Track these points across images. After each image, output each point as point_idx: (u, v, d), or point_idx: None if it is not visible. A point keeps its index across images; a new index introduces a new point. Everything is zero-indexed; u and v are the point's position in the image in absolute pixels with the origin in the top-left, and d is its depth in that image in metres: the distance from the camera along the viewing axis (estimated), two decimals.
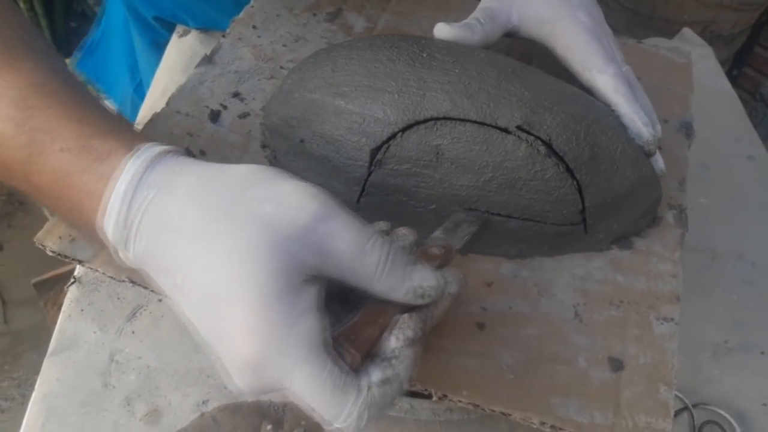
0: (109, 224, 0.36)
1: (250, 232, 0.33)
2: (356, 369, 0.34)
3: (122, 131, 0.38)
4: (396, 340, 0.35)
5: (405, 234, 0.40)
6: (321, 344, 0.33)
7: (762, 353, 0.62)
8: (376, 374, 0.34)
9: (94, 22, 1.22)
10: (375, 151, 0.48)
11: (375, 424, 0.53)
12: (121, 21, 0.99)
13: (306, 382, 0.32)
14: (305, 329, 0.33)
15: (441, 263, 0.40)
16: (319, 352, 0.32)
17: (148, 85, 0.88)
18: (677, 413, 0.57)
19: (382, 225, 0.40)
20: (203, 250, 0.34)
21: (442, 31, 0.54)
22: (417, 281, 0.36)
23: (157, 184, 0.36)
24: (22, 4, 2.03)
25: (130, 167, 0.36)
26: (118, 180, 0.36)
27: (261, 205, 0.34)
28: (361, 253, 0.35)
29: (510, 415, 0.41)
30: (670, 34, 0.99)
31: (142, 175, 0.36)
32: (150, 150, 0.37)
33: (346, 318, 0.36)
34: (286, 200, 0.35)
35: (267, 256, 0.33)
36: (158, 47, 0.90)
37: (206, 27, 0.87)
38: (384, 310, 0.36)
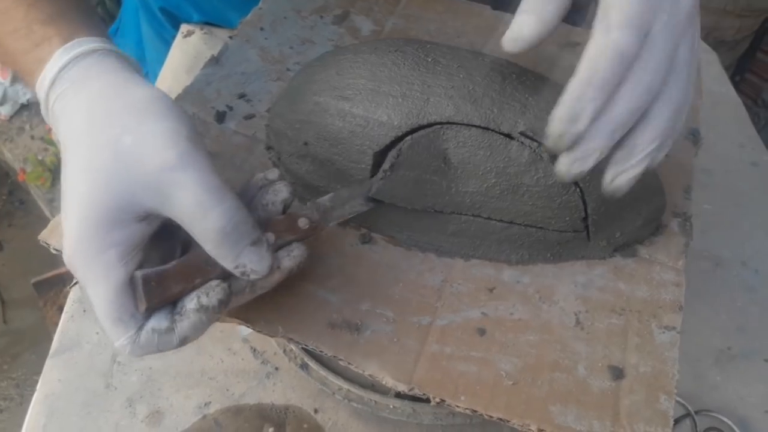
0: (40, 92, 0.41)
1: (101, 157, 0.36)
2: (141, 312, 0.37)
3: (65, 21, 0.42)
4: (190, 301, 0.38)
5: (277, 190, 0.42)
6: (116, 278, 0.36)
7: (765, 360, 0.62)
8: (154, 321, 0.37)
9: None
10: (378, 155, 0.48)
11: (377, 426, 0.53)
12: (133, 11, 0.99)
13: (95, 302, 0.37)
14: (107, 261, 0.36)
15: (300, 237, 0.42)
16: (112, 285, 0.36)
17: (155, 78, 0.88)
18: (680, 420, 0.57)
19: (270, 174, 0.42)
20: (71, 155, 0.38)
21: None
22: (245, 261, 0.37)
23: (72, 79, 0.40)
24: None
25: (57, 58, 0.40)
26: (45, 67, 0.40)
27: (122, 136, 0.36)
28: (202, 214, 0.36)
29: (508, 421, 0.41)
30: None
31: (63, 69, 0.40)
32: (81, 46, 0.40)
33: (172, 257, 0.39)
34: (146, 140, 0.36)
35: (101, 186, 0.36)
36: (164, 42, 0.91)
37: (211, 21, 0.87)
38: (204, 270, 0.38)
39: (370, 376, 0.43)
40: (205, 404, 0.55)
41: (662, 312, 0.47)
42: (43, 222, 0.49)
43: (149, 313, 0.38)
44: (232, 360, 0.57)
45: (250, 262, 0.38)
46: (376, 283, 0.47)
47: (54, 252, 0.47)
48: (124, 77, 0.40)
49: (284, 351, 0.55)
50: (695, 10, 0.39)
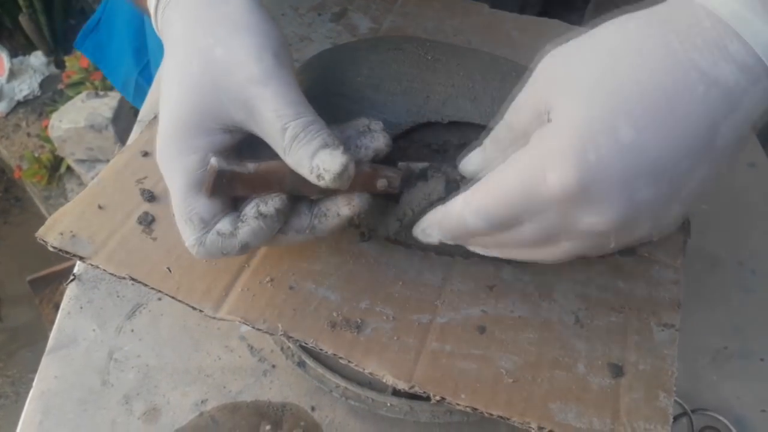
0: (150, 12, 0.44)
1: (193, 66, 0.39)
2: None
3: None
4: (250, 208, 0.40)
5: (375, 137, 0.42)
6: (193, 181, 0.39)
7: (761, 360, 0.62)
8: (220, 224, 0.40)
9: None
10: None
11: (374, 424, 0.53)
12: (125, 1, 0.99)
13: (173, 201, 0.40)
14: (188, 163, 0.39)
15: (371, 190, 0.42)
16: (188, 187, 0.39)
17: (157, 67, 0.87)
18: (676, 418, 0.57)
19: (373, 124, 0.43)
20: (168, 62, 0.41)
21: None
22: (318, 162, 0.38)
23: None
24: (21, 1, 2.03)
25: None
26: None
27: (214, 47, 0.39)
28: (281, 124, 0.38)
29: (508, 419, 0.41)
30: None
31: None
32: None
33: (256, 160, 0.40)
34: (236, 52, 0.38)
35: (191, 93, 0.38)
36: None
37: None
38: (278, 181, 0.40)
39: (370, 374, 0.43)
40: (202, 401, 0.54)
41: (661, 310, 0.47)
42: (39, 219, 0.48)
43: (213, 208, 0.40)
44: (229, 357, 0.57)
45: (323, 162, 0.38)
46: (375, 281, 0.47)
47: (51, 249, 0.47)
48: None
49: (281, 349, 0.55)
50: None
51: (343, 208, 0.41)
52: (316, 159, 0.38)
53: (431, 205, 0.43)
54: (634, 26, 0.34)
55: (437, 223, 0.41)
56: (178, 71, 0.39)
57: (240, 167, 0.39)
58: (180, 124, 0.39)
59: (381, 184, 0.42)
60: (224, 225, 0.40)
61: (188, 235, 0.40)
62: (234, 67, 0.38)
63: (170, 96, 0.39)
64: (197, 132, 0.39)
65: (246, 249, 0.40)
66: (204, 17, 0.40)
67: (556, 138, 0.33)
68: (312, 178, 0.38)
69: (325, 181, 0.38)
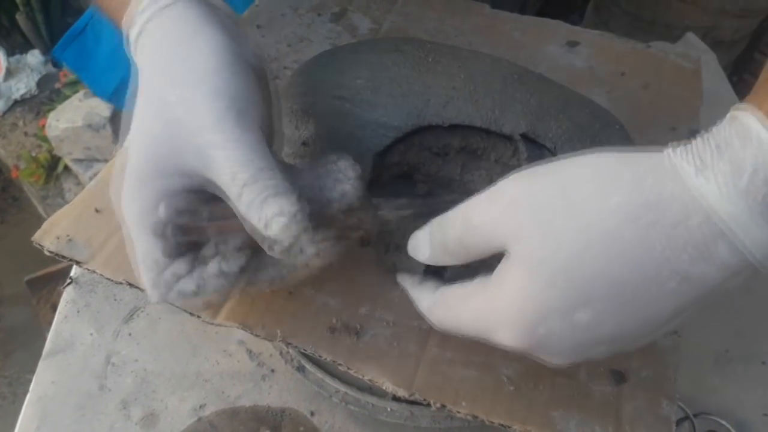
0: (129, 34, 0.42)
1: (150, 112, 0.38)
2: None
3: None
4: (213, 264, 0.38)
5: (346, 166, 0.39)
6: (149, 226, 0.38)
7: (763, 363, 0.62)
8: (176, 266, 0.38)
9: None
10: (378, 156, 0.47)
11: (374, 429, 0.53)
12: None
13: (135, 246, 0.39)
14: (143, 205, 0.38)
15: (346, 235, 0.40)
16: (145, 233, 0.38)
17: None
18: (678, 423, 0.57)
19: (335, 159, 0.40)
20: (137, 103, 0.39)
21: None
22: (268, 212, 0.36)
23: (149, 26, 0.40)
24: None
25: (144, 8, 0.41)
26: (133, 13, 0.41)
27: (169, 95, 0.38)
28: (230, 172, 0.36)
29: (510, 427, 0.41)
30: (672, 40, 0.98)
31: (147, 17, 0.41)
32: None
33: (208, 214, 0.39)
34: (189, 100, 0.38)
35: (149, 138, 0.38)
36: None
37: None
38: (235, 228, 0.38)
39: (369, 381, 0.42)
40: (200, 406, 0.54)
41: None
42: (37, 219, 0.48)
43: (169, 250, 0.38)
44: (227, 362, 0.56)
45: (271, 210, 0.35)
46: (375, 286, 0.46)
47: (47, 254, 0.47)
48: (194, 30, 0.40)
49: (280, 353, 0.54)
50: None
51: (312, 258, 0.38)
52: (266, 208, 0.36)
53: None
54: (616, 206, 0.31)
55: (410, 298, 0.41)
56: (138, 116, 0.39)
57: (193, 218, 0.38)
58: (140, 167, 0.38)
59: (355, 235, 0.41)
60: (179, 267, 0.38)
61: (142, 274, 0.39)
62: (186, 116, 0.37)
63: (132, 139, 0.39)
64: (155, 175, 0.38)
65: (202, 292, 0.39)
66: (165, 62, 0.39)
67: (511, 303, 0.32)
68: (261, 228, 0.36)
69: (273, 231, 0.36)
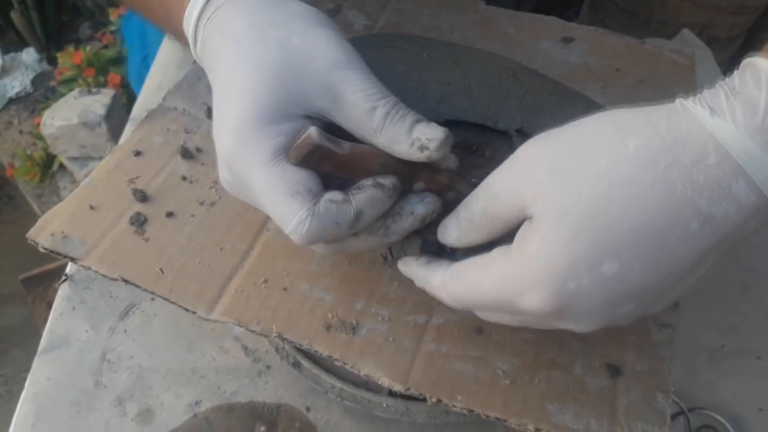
0: (188, 26, 0.42)
1: (270, 53, 0.38)
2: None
3: None
4: (366, 180, 0.38)
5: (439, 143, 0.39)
6: (288, 162, 0.37)
7: (758, 358, 0.62)
8: (331, 193, 0.37)
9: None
10: None
11: (370, 425, 0.53)
12: None
13: (265, 183, 0.37)
14: (274, 145, 0.37)
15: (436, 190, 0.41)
16: (282, 164, 0.37)
17: (153, 57, 0.87)
18: (673, 417, 0.57)
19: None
20: (233, 55, 0.38)
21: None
22: (418, 134, 0.37)
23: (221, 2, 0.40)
24: None
25: None
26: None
27: (291, 37, 0.38)
28: (370, 105, 0.37)
29: (505, 421, 0.41)
30: (668, 37, 0.98)
31: None
32: None
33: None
34: (314, 41, 0.38)
35: (273, 77, 0.37)
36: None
37: None
38: (367, 164, 0.38)
39: (365, 376, 0.42)
40: (196, 402, 0.54)
41: None
42: (32, 217, 0.48)
43: (317, 179, 0.38)
44: (223, 358, 0.56)
45: (424, 134, 0.37)
46: (371, 281, 0.46)
47: (42, 251, 0.47)
48: None
49: (276, 349, 0.54)
50: None
51: (417, 206, 0.40)
52: (415, 132, 0.37)
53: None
54: (633, 145, 0.31)
55: (417, 280, 0.41)
56: (252, 59, 0.38)
57: (336, 146, 0.37)
58: (261, 110, 0.37)
59: (443, 178, 0.41)
60: (331, 194, 0.37)
61: (296, 208, 0.37)
62: (315, 53, 0.38)
63: (245, 83, 0.38)
64: (281, 117, 0.37)
65: (359, 220, 0.37)
66: (270, 14, 0.39)
67: (537, 261, 0.32)
68: (413, 152, 0.37)
69: (430, 150, 0.37)
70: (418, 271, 0.40)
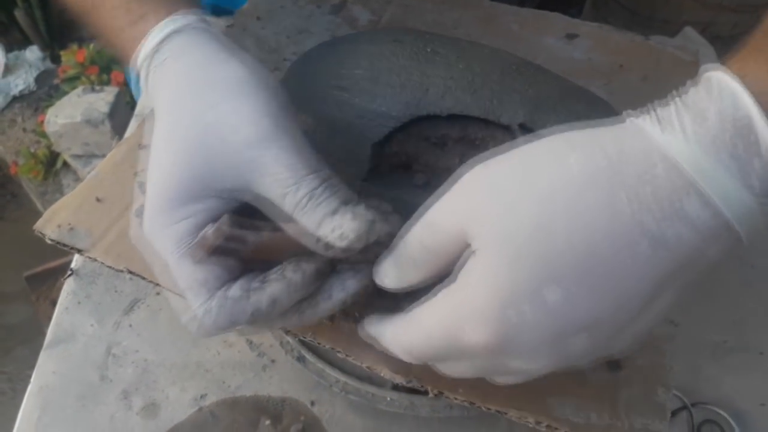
0: (139, 70, 0.41)
1: (183, 131, 0.36)
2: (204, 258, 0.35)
3: None
4: (276, 270, 0.35)
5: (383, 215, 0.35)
6: (191, 251, 0.35)
7: (761, 353, 0.62)
8: (233, 288, 0.35)
9: None
10: (377, 146, 0.47)
11: (374, 419, 0.53)
12: None
13: (173, 272, 0.36)
14: (178, 231, 0.35)
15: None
16: (182, 256, 0.35)
17: None
18: (676, 412, 0.57)
19: (376, 203, 0.36)
20: (159, 123, 0.38)
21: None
22: (332, 227, 0.34)
23: (164, 56, 0.40)
24: None
25: (152, 37, 0.40)
26: (141, 45, 0.40)
27: (205, 112, 0.36)
28: (280, 191, 0.35)
29: (506, 413, 0.41)
30: (670, 35, 0.98)
31: (158, 45, 0.40)
32: (174, 23, 0.40)
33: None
34: (231, 115, 0.36)
35: (181, 158, 0.36)
36: None
37: (219, 3, 0.87)
38: (280, 251, 0.36)
39: (368, 368, 0.42)
40: (201, 396, 0.54)
41: None
42: (36, 215, 0.48)
43: (218, 272, 0.36)
44: (228, 352, 0.57)
45: (339, 227, 0.33)
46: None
47: (49, 242, 0.47)
48: (213, 53, 0.39)
49: (281, 343, 0.55)
50: None
51: (335, 289, 0.36)
52: (327, 225, 0.34)
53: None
54: (577, 165, 0.29)
55: (376, 342, 0.37)
56: (167, 138, 0.37)
57: (252, 232, 0.35)
58: (171, 192, 0.36)
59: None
60: (235, 289, 0.35)
61: (189, 303, 0.36)
62: (227, 131, 0.35)
63: (159, 163, 0.37)
64: (189, 199, 0.36)
65: (262, 313, 0.35)
66: (193, 83, 0.38)
67: (478, 290, 0.30)
68: (319, 249, 0.34)
69: (337, 249, 0.34)
70: (370, 330, 0.37)
